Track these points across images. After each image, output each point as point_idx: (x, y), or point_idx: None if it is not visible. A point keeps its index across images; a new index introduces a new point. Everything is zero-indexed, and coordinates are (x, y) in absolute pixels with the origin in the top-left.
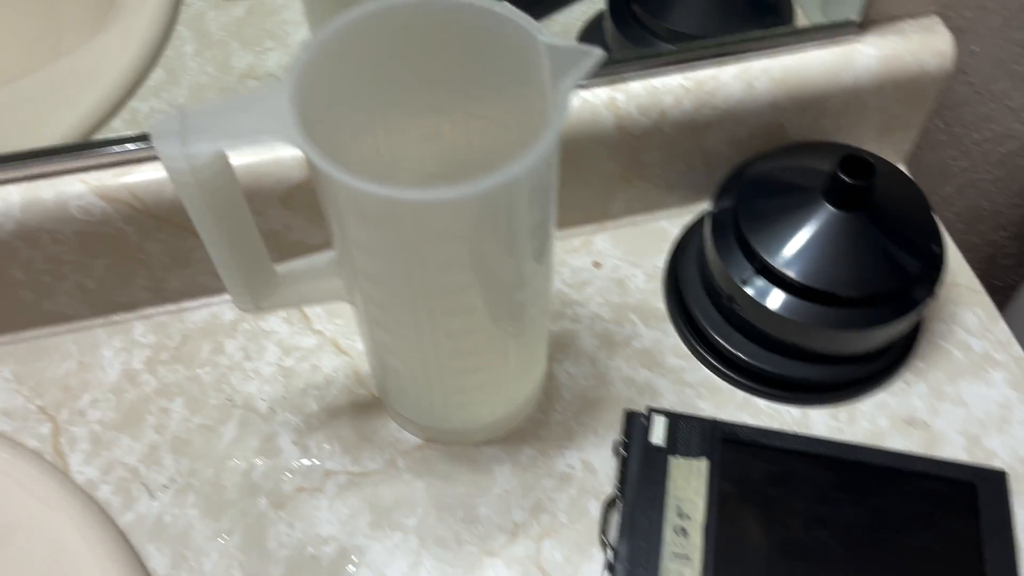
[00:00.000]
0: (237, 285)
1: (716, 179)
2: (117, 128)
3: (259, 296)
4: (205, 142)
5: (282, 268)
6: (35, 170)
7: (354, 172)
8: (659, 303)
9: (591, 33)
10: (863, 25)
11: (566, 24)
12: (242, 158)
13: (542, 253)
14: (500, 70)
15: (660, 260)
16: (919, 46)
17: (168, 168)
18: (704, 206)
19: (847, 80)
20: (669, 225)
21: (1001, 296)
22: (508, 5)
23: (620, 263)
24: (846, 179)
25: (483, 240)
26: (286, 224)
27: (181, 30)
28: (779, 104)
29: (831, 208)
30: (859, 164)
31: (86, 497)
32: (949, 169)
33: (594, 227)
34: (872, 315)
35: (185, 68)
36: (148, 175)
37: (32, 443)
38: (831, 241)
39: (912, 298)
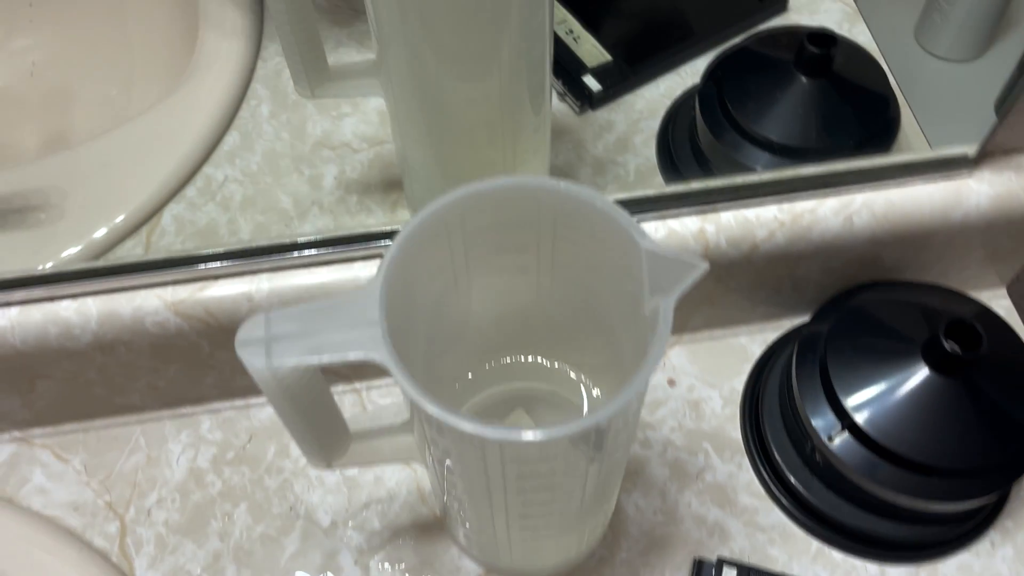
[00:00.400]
0: (310, 450)
1: (803, 300)
2: (191, 197)
3: (331, 456)
4: (290, 357)
5: (356, 427)
6: (113, 284)
7: (445, 404)
8: (735, 432)
9: (678, 117)
10: (977, 160)
11: (651, 101)
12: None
13: (628, 441)
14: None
15: (739, 382)
16: None
17: (252, 374)
18: (786, 323)
19: (955, 218)
20: (750, 342)
21: None
22: (609, 202)
23: (696, 382)
24: (949, 348)
25: (570, 460)
26: None
27: (257, 88)
28: (879, 239)
29: (929, 370)
30: (965, 330)
31: None
32: None
33: (671, 340)
34: (965, 488)
35: (260, 132)
36: (222, 291)
37: (100, 542)
38: (926, 407)
39: (1010, 471)
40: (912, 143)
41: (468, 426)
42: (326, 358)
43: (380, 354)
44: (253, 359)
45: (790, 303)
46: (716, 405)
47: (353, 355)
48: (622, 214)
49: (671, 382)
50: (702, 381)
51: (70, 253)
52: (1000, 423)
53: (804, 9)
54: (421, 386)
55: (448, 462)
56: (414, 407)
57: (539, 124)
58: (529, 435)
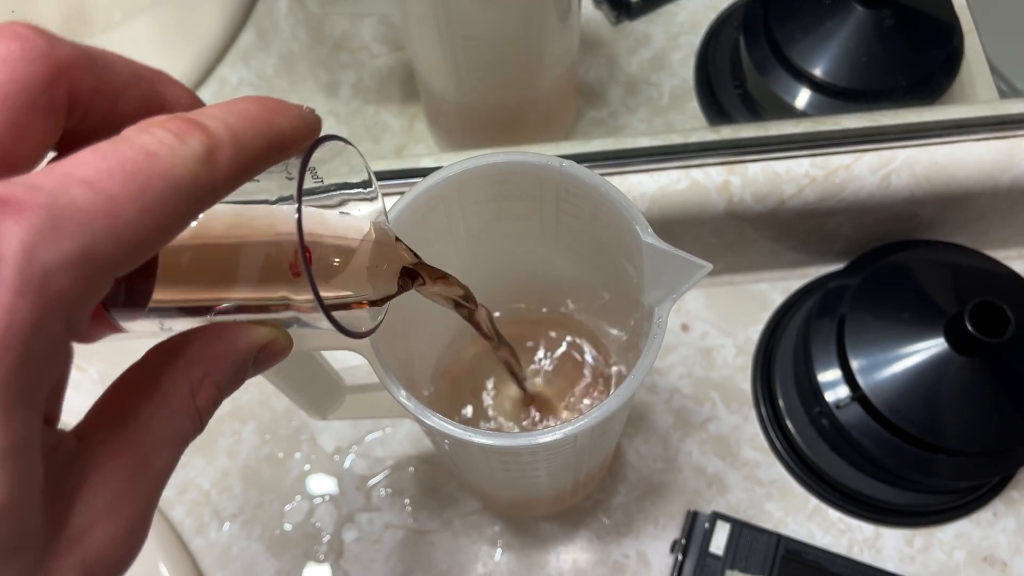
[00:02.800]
0: (301, 406)
1: (831, 250)
2: (205, 99)
3: (325, 411)
4: None
5: (353, 381)
6: None
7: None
8: (745, 384)
9: (721, 35)
10: None
11: (694, 13)
12: None
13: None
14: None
15: (755, 331)
16: None
17: None
18: (812, 272)
19: (1004, 181)
20: (771, 289)
21: None
22: (615, 188)
23: (710, 329)
24: (973, 332)
25: (554, 453)
26: None
27: None
28: (917, 199)
29: (949, 348)
30: (992, 311)
31: (162, 517)
32: None
33: None
34: (973, 468)
35: (276, 31)
36: None
37: None
38: (942, 386)
39: (1019, 457)
40: (976, 83)
41: (437, 423)
42: (302, 347)
43: (362, 347)
44: None
45: (818, 252)
46: (729, 354)
47: (329, 345)
48: (626, 203)
49: (684, 327)
50: (717, 328)
51: None
52: (1021, 404)
53: None
54: (395, 374)
55: (436, 438)
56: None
57: (566, 33)
58: (503, 440)
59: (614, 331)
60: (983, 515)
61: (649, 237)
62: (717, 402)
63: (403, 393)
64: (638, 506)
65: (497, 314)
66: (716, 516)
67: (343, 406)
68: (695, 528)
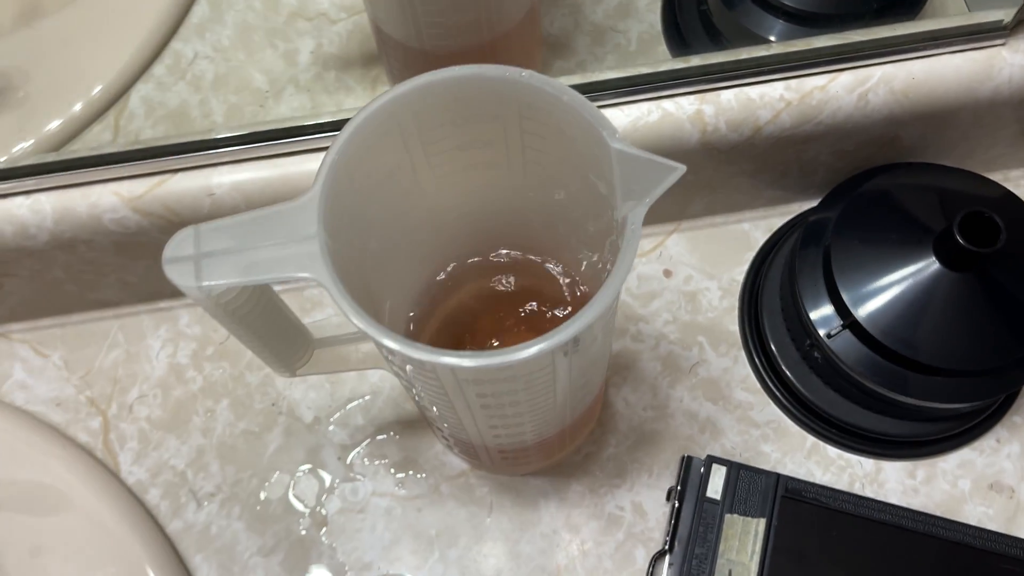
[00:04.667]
0: (268, 361)
1: (812, 183)
2: (160, 75)
3: (293, 365)
4: (221, 277)
5: (320, 334)
6: (65, 180)
7: (394, 334)
8: (733, 325)
9: None
10: (1012, 27)
11: None
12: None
13: (602, 352)
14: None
15: (739, 272)
16: None
17: (186, 293)
18: (794, 208)
19: (984, 93)
20: (753, 228)
21: None
22: (578, 96)
23: (694, 273)
24: (964, 244)
25: (532, 379)
26: None
27: None
28: (897, 118)
29: (940, 265)
30: (982, 222)
31: (136, 501)
32: None
33: (668, 227)
34: (974, 389)
35: (230, 1)
36: (182, 185)
37: (84, 438)
38: (935, 304)
39: (1019, 373)
40: (947, 6)
41: (397, 346)
42: (260, 278)
43: (318, 272)
44: (182, 279)
45: (799, 186)
46: (714, 297)
47: (289, 273)
48: (590, 109)
49: (667, 273)
50: (700, 271)
51: (29, 144)
52: (1016, 318)
53: None
54: (359, 305)
55: (408, 378)
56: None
57: None
58: (475, 360)
59: (594, 257)
60: (986, 442)
61: (617, 143)
62: (705, 346)
63: (360, 314)
64: (630, 456)
65: (476, 259)
66: (711, 460)
67: (311, 360)
68: (690, 474)
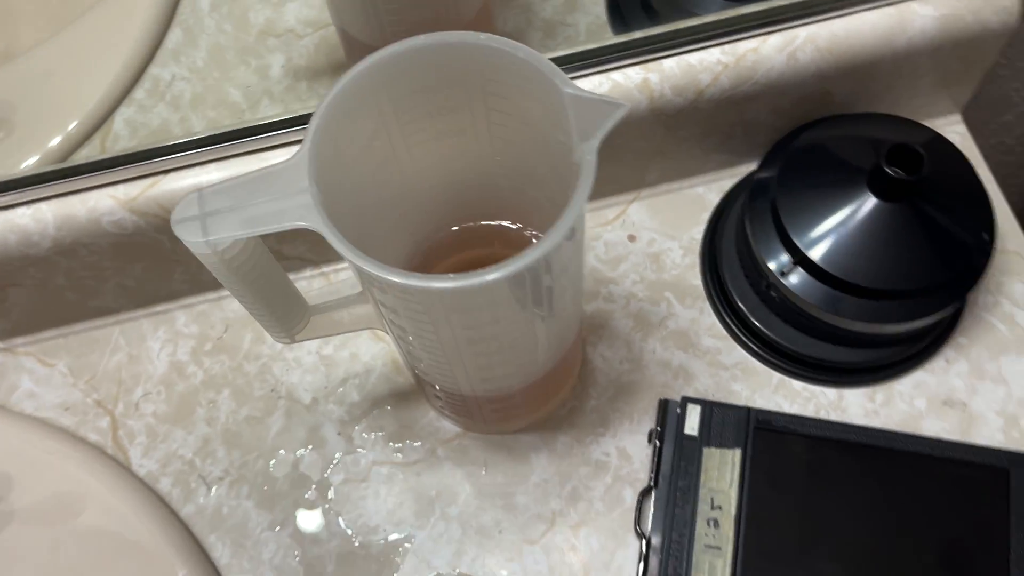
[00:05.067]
0: (269, 324)
1: (756, 143)
2: (140, 99)
3: (292, 330)
4: (226, 231)
5: (315, 301)
6: (64, 188)
7: (381, 263)
8: (696, 279)
9: None
10: None
11: None
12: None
13: (575, 292)
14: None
15: (697, 231)
16: (981, 3)
17: (193, 250)
18: (743, 170)
19: (900, 45)
20: (707, 191)
21: None
22: (531, 51)
23: (656, 236)
24: (891, 173)
25: (512, 302)
26: None
27: None
28: (825, 74)
29: (875, 199)
30: (907, 154)
31: (149, 491)
32: (1010, 100)
33: (629, 196)
34: (914, 308)
35: (202, 26)
36: (173, 185)
37: (94, 437)
38: (874, 234)
39: (958, 288)
40: None
41: (396, 278)
42: (261, 229)
43: (313, 220)
44: (190, 235)
45: (744, 149)
46: (676, 256)
47: (287, 223)
48: (544, 61)
49: (631, 238)
50: (662, 234)
51: (27, 165)
52: (947, 242)
53: None
54: (355, 246)
55: (400, 322)
56: (354, 269)
57: None
58: (461, 281)
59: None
60: (936, 363)
61: (569, 88)
62: (672, 300)
63: (356, 252)
64: (612, 406)
65: (455, 228)
66: (686, 400)
67: (308, 326)
68: (668, 415)
